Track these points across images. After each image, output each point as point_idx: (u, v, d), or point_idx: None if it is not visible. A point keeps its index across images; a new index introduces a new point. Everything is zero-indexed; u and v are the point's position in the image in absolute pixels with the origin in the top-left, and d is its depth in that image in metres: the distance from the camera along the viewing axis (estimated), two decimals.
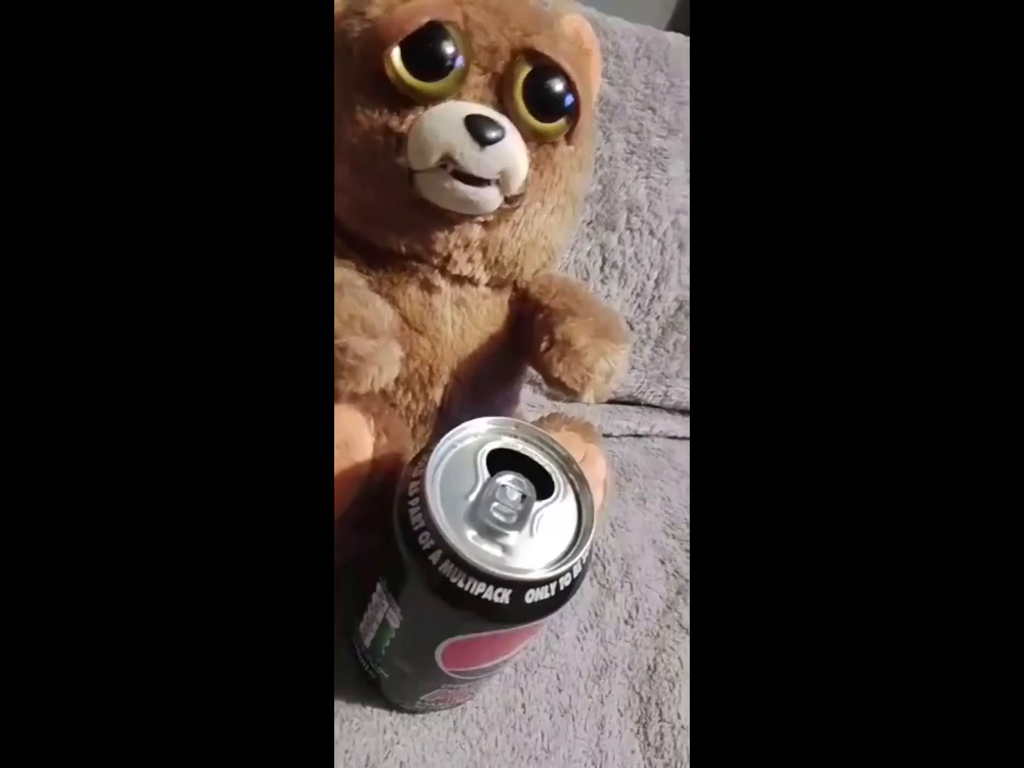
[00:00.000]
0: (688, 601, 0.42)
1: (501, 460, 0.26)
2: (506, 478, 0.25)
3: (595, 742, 0.35)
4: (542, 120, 0.30)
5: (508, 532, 0.23)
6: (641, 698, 0.37)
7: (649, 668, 0.39)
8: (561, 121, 0.31)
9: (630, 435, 0.57)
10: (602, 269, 0.53)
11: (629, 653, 0.39)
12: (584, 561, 0.25)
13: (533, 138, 0.31)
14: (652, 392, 0.60)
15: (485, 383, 0.35)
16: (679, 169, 0.52)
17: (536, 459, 0.27)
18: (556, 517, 0.25)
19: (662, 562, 0.45)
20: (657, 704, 0.37)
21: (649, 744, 0.35)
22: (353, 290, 0.28)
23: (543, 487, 0.25)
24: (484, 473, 0.25)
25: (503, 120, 0.29)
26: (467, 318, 0.34)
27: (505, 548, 0.24)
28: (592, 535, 0.24)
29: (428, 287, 0.33)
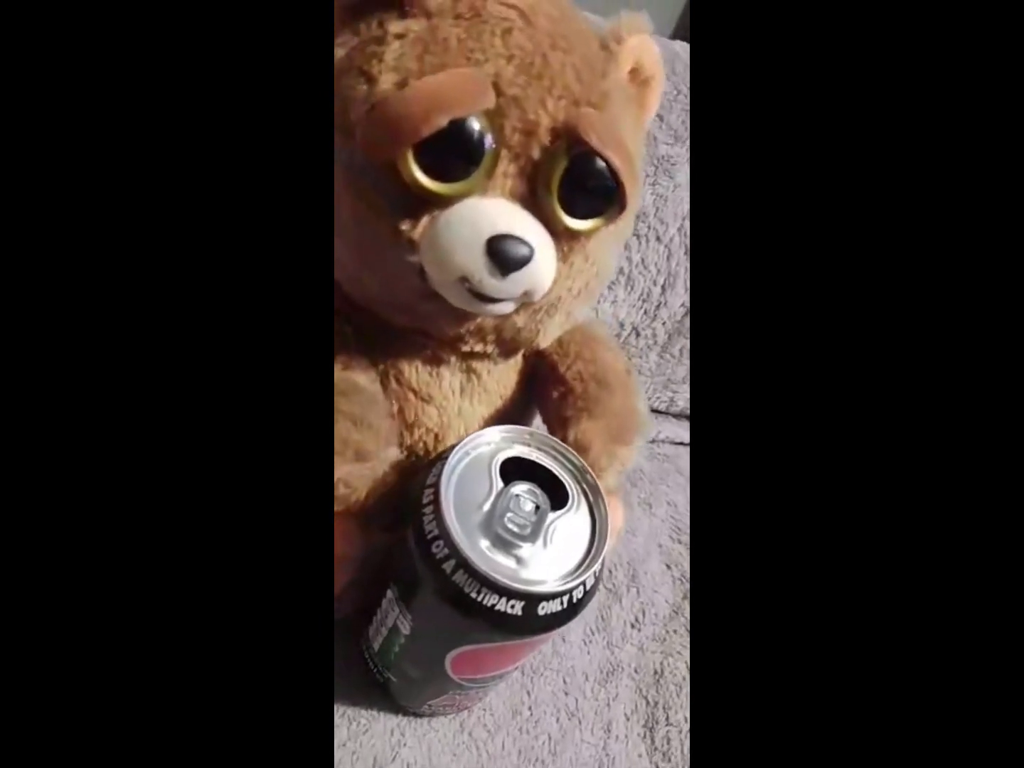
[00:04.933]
0: None
1: (515, 469, 0.26)
2: (520, 488, 0.25)
3: (602, 746, 0.35)
4: (579, 218, 0.26)
5: (522, 543, 0.24)
6: (648, 702, 0.38)
7: (656, 672, 0.39)
8: (600, 219, 0.27)
9: None
10: None
11: (636, 657, 0.40)
12: (597, 573, 0.25)
13: (566, 235, 0.26)
14: (658, 398, 0.60)
15: None
16: (686, 176, 0.52)
17: (550, 468, 0.27)
18: (570, 529, 0.25)
19: (668, 567, 0.45)
20: (664, 708, 0.37)
21: (656, 748, 0.36)
22: (346, 402, 0.26)
23: (557, 497, 0.25)
24: (498, 482, 0.25)
25: (532, 232, 0.25)
26: (476, 385, 0.32)
27: (519, 559, 0.24)
28: (606, 547, 0.25)
29: (436, 360, 0.30)
